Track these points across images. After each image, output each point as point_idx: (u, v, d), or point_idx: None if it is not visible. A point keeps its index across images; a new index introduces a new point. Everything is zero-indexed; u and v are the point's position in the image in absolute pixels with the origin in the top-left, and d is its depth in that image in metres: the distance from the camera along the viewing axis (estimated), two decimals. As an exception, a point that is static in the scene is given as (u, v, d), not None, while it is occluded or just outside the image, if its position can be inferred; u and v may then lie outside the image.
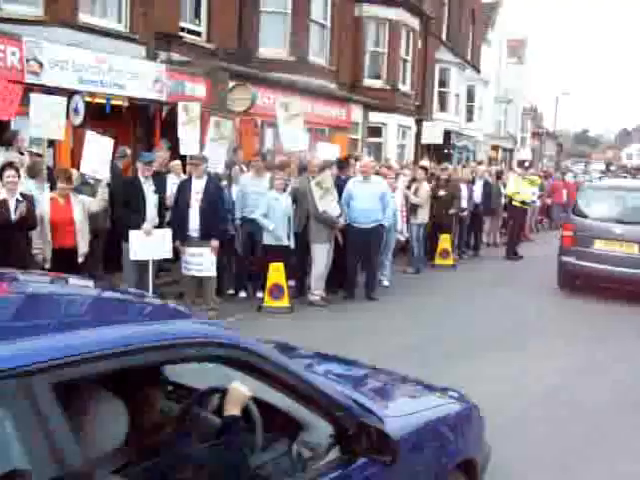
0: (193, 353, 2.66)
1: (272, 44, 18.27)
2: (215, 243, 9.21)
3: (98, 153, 8.78)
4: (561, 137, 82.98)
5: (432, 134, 27.52)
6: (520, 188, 16.46)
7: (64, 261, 8.29)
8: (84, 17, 12.42)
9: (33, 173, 9.07)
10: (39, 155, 9.99)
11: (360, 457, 3.03)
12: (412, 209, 13.64)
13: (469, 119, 33.56)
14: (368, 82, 23.52)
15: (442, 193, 14.41)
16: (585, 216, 12.37)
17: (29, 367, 2.07)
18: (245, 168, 11.60)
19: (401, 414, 3.53)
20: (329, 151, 13.08)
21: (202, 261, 9.22)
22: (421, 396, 4.20)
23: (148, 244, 8.81)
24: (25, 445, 2.01)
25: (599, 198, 12.77)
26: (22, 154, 9.66)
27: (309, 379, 3.05)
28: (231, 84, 15.21)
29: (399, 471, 3.15)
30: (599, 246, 11.84)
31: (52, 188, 8.90)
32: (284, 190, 10.38)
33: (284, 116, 11.28)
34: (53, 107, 9.49)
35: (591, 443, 5.89)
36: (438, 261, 14.59)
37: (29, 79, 10.82)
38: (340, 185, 11.05)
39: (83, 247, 8.49)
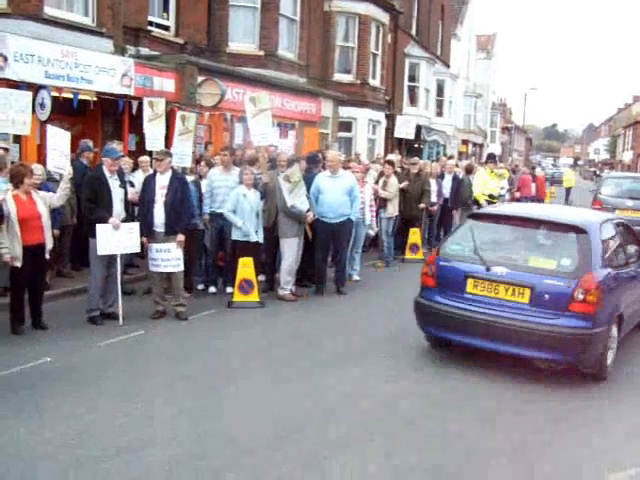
0: None
1: (241, 39, 18.22)
2: (181, 238, 9.15)
3: (59, 147, 8.68)
4: (530, 132, 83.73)
5: (405, 128, 27.62)
6: (488, 183, 16.50)
7: (33, 258, 8.21)
8: (50, 10, 12.25)
9: (-2, 168, 8.97)
10: (6, 150, 9.87)
11: None
12: (381, 203, 13.68)
13: (439, 113, 33.75)
14: (338, 77, 23.55)
15: (409, 186, 14.45)
16: (608, 195, 19.12)
17: None
18: (213, 163, 11.54)
19: None
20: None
21: (169, 257, 9.15)
22: None
23: (115, 238, 8.73)
24: None
25: (616, 184, 19.91)
26: None
27: None
28: (200, 79, 15.16)
29: None
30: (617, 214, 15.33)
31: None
32: (254, 186, 10.36)
33: (253, 111, 11.25)
34: (19, 102, 9.38)
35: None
36: (408, 255, 14.65)
37: (-7, 73, 10.67)
38: (310, 180, 11.05)
39: (49, 243, 8.43)
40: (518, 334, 6.96)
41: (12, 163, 9.49)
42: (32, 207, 8.23)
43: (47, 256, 8.41)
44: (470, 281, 7.43)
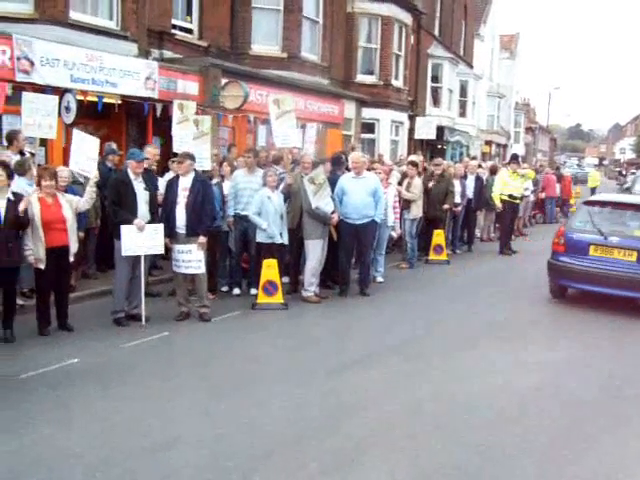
0: None
1: (264, 41, 18.25)
2: (202, 239, 9.17)
3: (85, 152, 8.74)
4: (555, 132, 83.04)
5: (425, 129, 27.54)
6: (508, 184, 16.41)
7: (57, 261, 8.28)
8: (75, 15, 12.38)
9: (22, 170, 9.04)
10: (32, 154, 9.97)
11: None
12: (405, 204, 13.64)
13: (462, 114, 33.59)
14: (361, 78, 23.55)
15: (435, 187, 14.41)
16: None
17: None
18: (236, 165, 11.56)
19: None
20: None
21: (190, 258, 9.18)
22: None
23: (140, 239, 8.78)
24: None
25: None
26: (23, 154, 9.63)
27: None
28: (223, 81, 15.21)
29: None
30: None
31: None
32: (277, 187, 10.38)
33: (276, 113, 11.30)
34: (45, 106, 9.47)
35: (580, 433, 5.91)
36: (432, 256, 14.59)
37: (20, 77, 10.79)
38: (334, 181, 11.05)
39: (74, 246, 8.47)
40: (628, 282, 10.17)
41: (38, 166, 9.59)
42: (57, 210, 8.28)
43: (71, 259, 8.46)
44: (592, 247, 10.63)
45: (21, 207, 7.82)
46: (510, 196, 16.34)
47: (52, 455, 5.17)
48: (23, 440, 5.40)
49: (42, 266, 8.18)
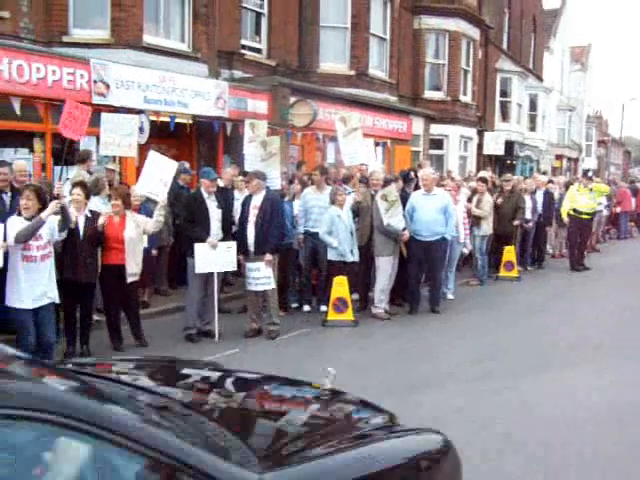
0: None
1: (332, 59, 18.35)
2: (268, 257, 9.24)
3: (159, 174, 8.86)
4: (629, 144, 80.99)
5: (493, 145, 27.24)
6: (577, 199, 16.08)
7: (114, 278, 8.42)
8: (148, 38, 12.70)
9: (97, 190, 9.28)
10: (112, 171, 10.25)
11: None
12: (475, 221, 13.49)
13: (532, 128, 33.09)
14: (429, 94, 23.46)
15: (505, 203, 14.22)
16: None
17: None
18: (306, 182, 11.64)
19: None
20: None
21: (259, 275, 9.27)
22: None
23: (213, 257, 8.91)
24: None
25: None
26: (90, 173, 9.91)
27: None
28: (292, 100, 15.35)
29: None
30: None
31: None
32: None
33: (343, 130, 11.33)
34: (124, 126, 9.71)
35: None
36: (502, 273, 14.38)
37: (96, 100, 11.11)
38: (405, 198, 11.02)
39: (133, 267, 8.48)
40: None
41: (110, 186, 9.86)
42: (119, 229, 8.42)
43: (128, 280, 8.46)
44: None
45: (101, 221, 8.06)
46: (575, 211, 16.01)
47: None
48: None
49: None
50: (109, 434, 2.22)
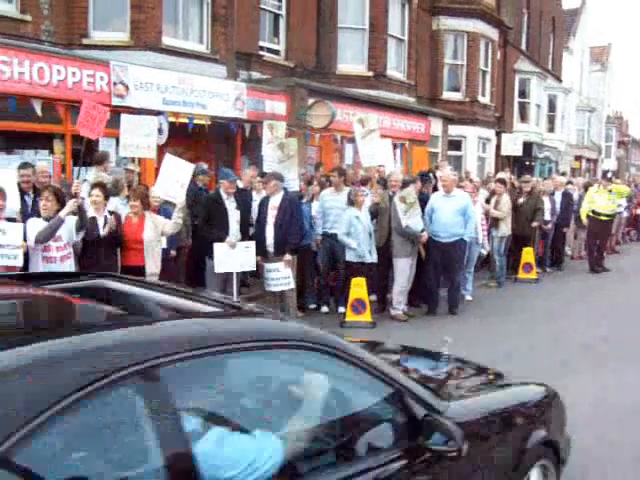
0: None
1: (350, 60, 18.38)
2: (288, 257, 9.27)
3: (175, 177, 8.88)
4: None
5: (512, 146, 27.13)
6: (595, 200, 16.00)
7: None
8: (167, 40, 12.77)
9: (116, 191, 9.33)
10: (131, 171, 10.31)
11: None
12: (493, 222, 13.44)
13: (550, 129, 32.90)
14: (447, 95, 23.42)
15: (524, 204, 14.16)
16: None
17: None
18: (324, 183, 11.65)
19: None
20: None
21: (278, 276, 9.30)
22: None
23: (232, 257, 8.94)
24: None
25: None
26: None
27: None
28: (310, 101, 15.37)
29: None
30: None
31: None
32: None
33: (361, 132, 11.33)
34: (143, 127, 9.76)
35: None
36: (521, 275, 14.31)
37: (115, 102, 11.21)
38: (423, 199, 11.00)
39: (152, 267, 8.47)
40: None
41: (129, 187, 9.92)
42: (137, 230, 8.42)
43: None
44: None
45: (109, 223, 8.07)
46: (595, 212, 15.91)
47: None
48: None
49: None
50: (357, 361, 3.12)
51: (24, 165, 8.78)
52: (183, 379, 2.52)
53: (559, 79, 36.18)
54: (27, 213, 7.95)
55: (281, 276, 9.28)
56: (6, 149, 10.49)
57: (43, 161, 10.16)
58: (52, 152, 11.07)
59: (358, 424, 3.13)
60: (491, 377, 4.58)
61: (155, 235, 8.54)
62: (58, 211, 6.98)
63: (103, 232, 7.96)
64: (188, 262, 11.40)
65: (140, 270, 8.40)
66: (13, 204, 7.45)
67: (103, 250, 7.98)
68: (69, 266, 7.08)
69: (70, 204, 7.00)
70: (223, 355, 2.66)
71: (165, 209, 9.56)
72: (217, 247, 8.86)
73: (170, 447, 2.32)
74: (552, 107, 32.93)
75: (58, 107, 10.75)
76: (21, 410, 2.06)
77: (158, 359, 2.37)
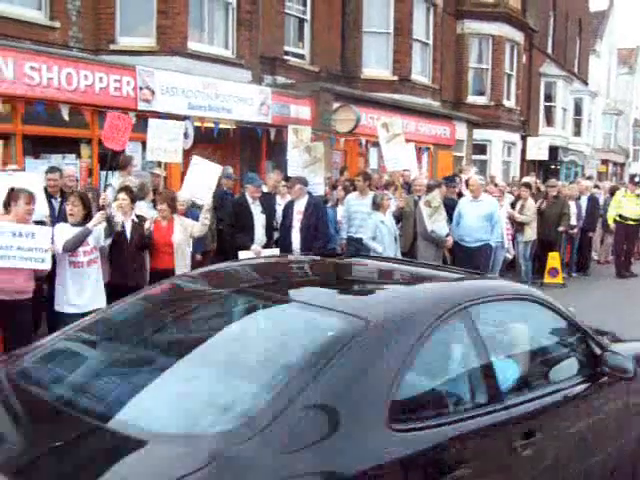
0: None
1: (375, 64, 18.37)
2: None
3: (202, 178, 8.91)
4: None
5: (537, 150, 26.94)
6: (623, 205, 15.85)
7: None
8: (193, 45, 12.84)
9: (142, 194, 9.39)
10: (158, 175, 10.38)
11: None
12: (518, 227, 13.36)
13: (577, 133, 32.66)
14: (472, 99, 23.34)
15: (549, 208, 14.05)
16: None
17: None
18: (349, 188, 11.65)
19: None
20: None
21: None
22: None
23: (257, 264, 8.92)
24: None
25: None
26: None
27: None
28: (335, 105, 15.38)
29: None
30: None
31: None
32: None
33: (386, 136, 11.31)
34: (171, 131, 9.82)
35: None
36: (547, 280, 14.19)
37: (141, 106, 11.29)
38: (448, 204, 10.96)
39: (182, 269, 8.38)
40: None
41: (153, 191, 9.99)
42: (167, 234, 8.45)
43: None
44: None
45: (147, 225, 8.12)
46: (621, 217, 15.76)
47: None
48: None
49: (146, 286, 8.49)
50: (560, 311, 4.32)
51: (51, 169, 8.86)
52: (480, 316, 3.61)
53: (585, 82, 35.90)
54: (54, 217, 8.02)
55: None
56: (34, 154, 10.60)
57: (70, 165, 10.28)
58: (79, 156, 11.17)
59: (557, 356, 4.23)
60: (608, 335, 5.25)
61: (184, 238, 8.59)
62: (85, 216, 6.99)
63: (145, 232, 8.02)
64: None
65: (169, 273, 8.44)
66: (41, 208, 7.51)
67: (131, 254, 8.02)
68: (96, 271, 7.07)
69: (98, 217, 7.01)
70: (495, 302, 3.88)
71: (192, 212, 9.61)
72: (242, 255, 8.86)
73: (480, 360, 3.50)
74: (578, 111, 32.68)
75: (85, 112, 10.86)
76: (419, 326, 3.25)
77: (469, 302, 3.58)
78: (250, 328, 3.50)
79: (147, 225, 8.13)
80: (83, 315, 6.81)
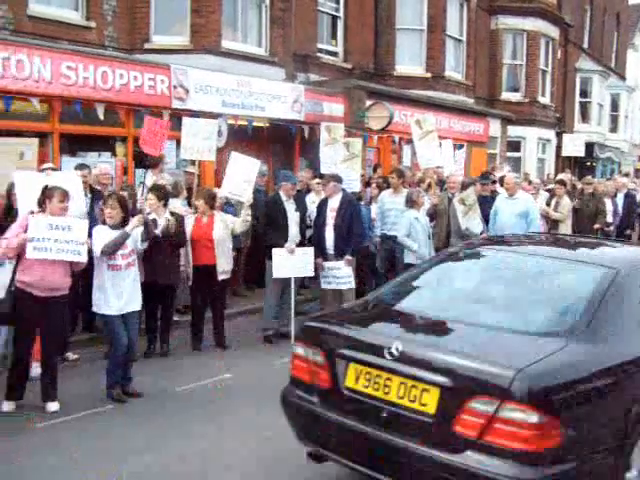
0: None
1: (408, 61, 18.28)
2: (349, 257, 9.25)
3: (242, 174, 8.97)
4: None
5: (572, 146, 26.63)
6: None
7: (204, 278, 8.58)
8: (227, 43, 12.89)
9: (176, 192, 9.48)
10: (192, 174, 10.46)
11: None
12: (553, 224, 13.19)
13: (613, 129, 32.18)
14: (506, 95, 23.13)
15: (585, 205, 13.87)
16: None
17: None
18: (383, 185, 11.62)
19: None
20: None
21: (340, 274, 9.28)
22: None
23: (290, 262, 8.96)
24: None
25: None
26: None
27: None
28: (368, 102, 15.34)
29: None
30: None
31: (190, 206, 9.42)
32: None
33: (419, 133, 11.26)
34: (205, 130, 9.88)
35: None
36: (583, 278, 13.98)
37: (175, 104, 11.36)
38: (481, 202, 10.86)
39: (224, 265, 8.68)
40: None
41: (188, 189, 10.05)
42: (208, 230, 8.57)
43: (220, 277, 8.66)
44: None
45: (171, 221, 8.12)
46: None
47: (211, 464, 5.42)
48: (180, 451, 5.65)
49: (190, 283, 8.58)
50: None
51: (80, 166, 8.97)
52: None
53: (623, 77, 35.37)
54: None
55: (343, 274, 9.26)
56: (70, 152, 10.73)
57: (105, 163, 10.38)
58: (114, 154, 11.28)
59: None
60: None
61: (226, 233, 8.68)
62: (123, 218, 6.98)
63: (158, 232, 7.98)
64: (246, 263, 11.52)
65: (210, 269, 8.54)
66: (80, 206, 7.56)
67: (164, 252, 8.08)
68: (133, 273, 7.07)
69: (134, 221, 7.03)
70: None
71: (226, 210, 9.67)
72: (275, 252, 8.89)
73: None
74: (615, 106, 32.21)
75: (120, 110, 10.97)
76: None
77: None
78: (549, 272, 4.97)
79: (172, 221, 8.11)
80: (122, 315, 6.89)
